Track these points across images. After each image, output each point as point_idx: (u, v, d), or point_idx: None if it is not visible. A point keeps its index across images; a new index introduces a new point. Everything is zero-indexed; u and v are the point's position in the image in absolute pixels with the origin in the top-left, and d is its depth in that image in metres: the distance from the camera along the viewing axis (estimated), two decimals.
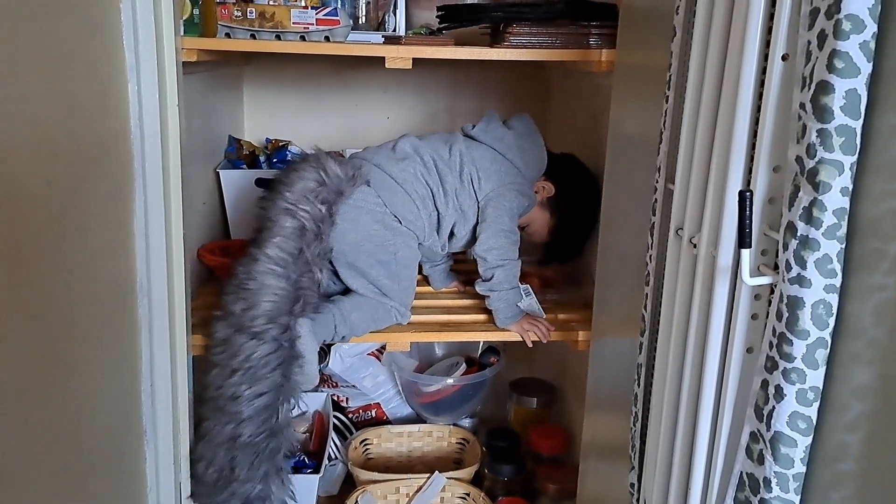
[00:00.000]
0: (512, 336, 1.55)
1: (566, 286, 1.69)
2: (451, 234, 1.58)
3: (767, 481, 0.73)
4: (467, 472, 1.77)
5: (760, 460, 0.74)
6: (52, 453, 1.00)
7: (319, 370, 1.95)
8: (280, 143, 2.01)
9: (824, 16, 0.66)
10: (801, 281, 0.68)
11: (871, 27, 0.63)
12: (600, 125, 1.61)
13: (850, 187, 0.66)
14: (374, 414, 2.01)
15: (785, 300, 0.70)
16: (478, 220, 1.55)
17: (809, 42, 0.68)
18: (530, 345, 1.55)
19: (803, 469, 0.72)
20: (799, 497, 0.73)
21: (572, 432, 1.83)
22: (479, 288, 1.56)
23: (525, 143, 1.59)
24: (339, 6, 1.59)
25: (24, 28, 0.90)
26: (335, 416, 1.91)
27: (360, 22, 1.81)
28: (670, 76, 0.98)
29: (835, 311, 0.69)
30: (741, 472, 0.78)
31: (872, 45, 0.64)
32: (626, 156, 1.23)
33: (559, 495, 1.72)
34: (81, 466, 1.09)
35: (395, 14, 1.72)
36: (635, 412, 1.07)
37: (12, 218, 0.88)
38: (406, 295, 1.55)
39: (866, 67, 0.64)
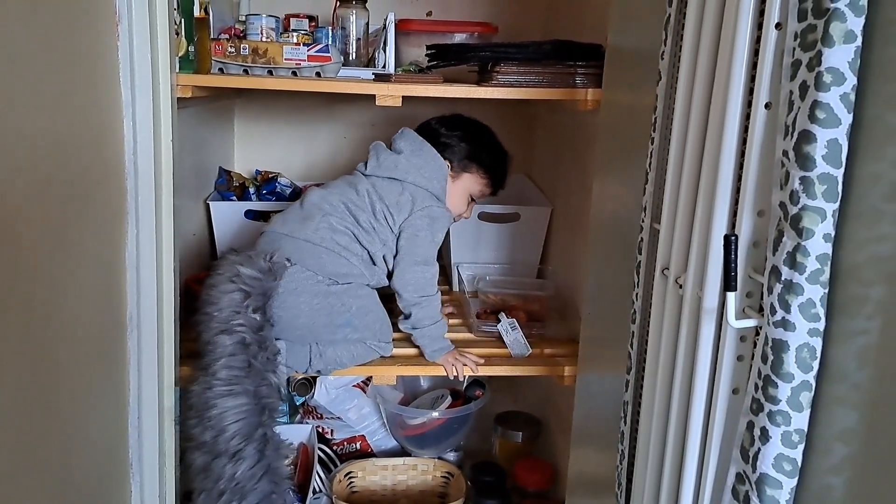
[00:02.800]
0: (498, 370, 1.56)
1: (552, 320, 1.70)
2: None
3: None
4: None
5: (746, 501, 0.75)
6: (39, 486, 1.00)
7: (304, 402, 1.95)
8: (270, 175, 2.02)
9: (806, 68, 0.68)
10: (785, 324, 0.70)
11: (851, 80, 0.65)
12: (585, 160, 1.64)
13: (833, 233, 0.68)
14: (358, 446, 2.00)
15: (770, 343, 0.71)
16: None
17: (791, 92, 0.70)
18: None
19: None
20: None
21: (557, 467, 1.83)
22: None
23: (418, 160, 1.57)
24: (330, 43, 1.61)
25: (23, 64, 0.91)
26: (319, 448, 1.90)
27: (351, 58, 1.83)
28: (655, 118, 1.01)
29: (819, 354, 0.70)
30: None
31: (853, 97, 0.66)
32: (612, 194, 1.25)
33: None
34: (68, 500, 1.09)
35: (384, 51, 1.74)
36: (622, 450, 1.08)
37: (6, 249, 0.89)
38: (381, 331, 1.54)
39: (847, 118, 0.66)
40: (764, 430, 0.72)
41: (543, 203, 1.99)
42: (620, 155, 1.22)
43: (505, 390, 2.15)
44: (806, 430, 0.72)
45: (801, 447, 0.72)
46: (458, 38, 1.92)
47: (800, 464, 0.72)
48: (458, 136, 1.65)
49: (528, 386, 2.14)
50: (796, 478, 0.72)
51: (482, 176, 1.66)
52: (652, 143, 1.02)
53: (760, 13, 0.77)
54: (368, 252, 1.53)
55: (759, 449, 0.73)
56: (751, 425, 0.75)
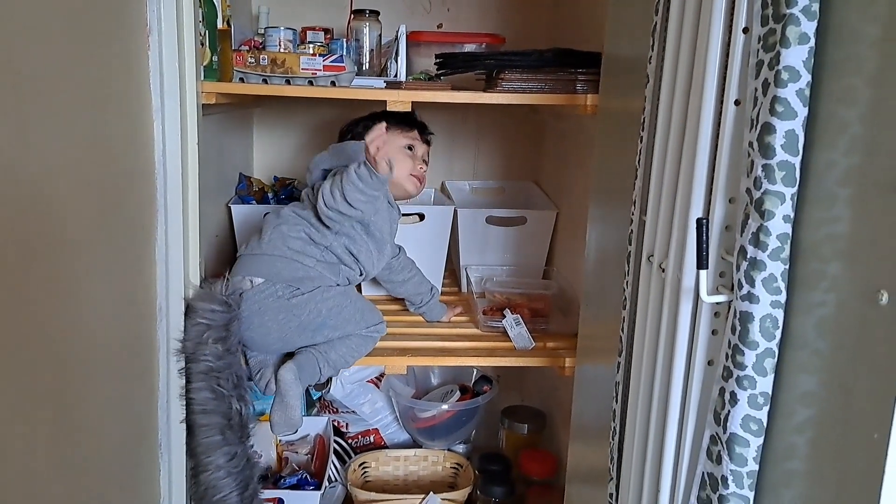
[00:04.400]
0: (503, 361, 1.64)
1: (555, 317, 1.78)
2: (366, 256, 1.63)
3: (724, 479, 0.82)
4: (461, 494, 1.84)
5: (718, 460, 0.83)
6: (74, 464, 1.08)
7: (320, 396, 2.04)
8: (287, 181, 2.12)
9: (767, 67, 0.76)
10: (750, 298, 0.78)
11: (806, 77, 0.73)
12: (588, 165, 1.72)
13: (792, 215, 0.76)
14: (372, 439, 2.08)
15: (738, 315, 0.79)
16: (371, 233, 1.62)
17: (756, 89, 0.78)
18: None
19: (756, 467, 0.81)
20: (753, 493, 0.81)
21: (561, 457, 1.90)
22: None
23: (341, 157, 1.65)
24: (344, 53, 1.70)
25: (65, 72, 1.00)
26: (335, 441, 1.98)
27: (364, 68, 1.92)
28: (644, 119, 1.09)
29: (781, 324, 0.78)
30: (703, 473, 0.86)
31: (808, 93, 0.74)
32: (608, 192, 1.33)
33: None
34: (101, 477, 1.17)
35: (396, 61, 1.83)
36: (614, 426, 1.16)
37: (51, 241, 0.98)
38: (364, 319, 1.58)
39: (802, 111, 0.74)
40: (733, 394, 0.80)
41: (549, 207, 2.07)
42: (615, 155, 1.30)
43: (511, 386, 2.24)
44: (770, 393, 0.79)
45: (766, 409, 0.79)
46: (467, 48, 2.00)
47: (765, 424, 0.79)
48: (355, 124, 1.77)
49: (533, 381, 2.22)
50: (762, 437, 0.80)
51: (396, 128, 1.70)
52: (641, 142, 1.10)
53: (732, 19, 0.85)
54: (329, 249, 1.58)
55: (729, 411, 0.80)
56: (722, 391, 0.82)
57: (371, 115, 1.73)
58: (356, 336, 1.57)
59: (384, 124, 1.52)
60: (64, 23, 1.00)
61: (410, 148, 1.72)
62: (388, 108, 1.57)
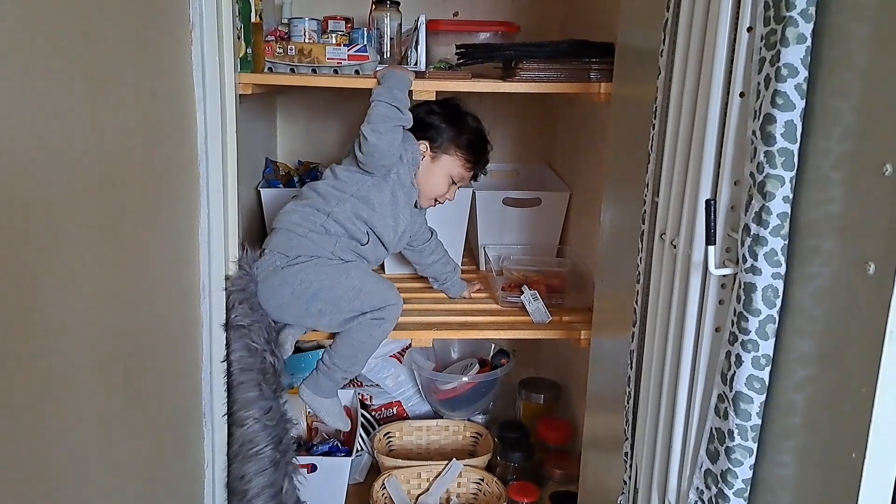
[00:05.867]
0: (522, 334, 1.73)
1: (570, 293, 1.87)
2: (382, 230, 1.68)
3: (731, 432, 0.91)
4: (482, 460, 1.95)
5: (725, 416, 0.92)
6: (136, 433, 1.18)
7: None
8: (311, 165, 2.21)
9: (769, 63, 0.85)
10: (753, 270, 0.87)
11: (804, 73, 0.82)
12: (600, 148, 1.80)
13: (791, 196, 0.85)
14: (395, 411, 2.19)
15: (742, 286, 0.88)
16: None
17: (759, 83, 0.87)
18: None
19: (759, 422, 0.90)
20: (756, 445, 0.91)
21: (576, 425, 2.00)
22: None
23: None
24: (367, 43, 1.78)
25: (122, 69, 1.09)
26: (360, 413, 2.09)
27: (386, 57, 2.00)
28: (656, 108, 1.17)
29: (781, 293, 0.87)
30: (711, 428, 0.96)
31: (805, 87, 0.82)
32: (622, 175, 1.42)
33: (564, 479, 1.90)
34: (156, 447, 1.28)
35: (416, 49, 1.90)
36: (628, 391, 1.25)
37: (112, 221, 1.07)
38: (366, 300, 1.61)
39: (800, 104, 0.83)
40: (738, 357, 0.89)
41: (563, 189, 2.15)
42: (628, 140, 1.39)
43: (527, 360, 2.33)
44: (771, 355, 0.88)
45: (767, 369, 0.88)
46: (483, 36, 2.07)
47: (767, 383, 0.89)
48: (440, 117, 1.77)
49: (548, 355, 2.32)
50: (765, 394, 0.89)
51: (462, 158, 1.76)
52: (653, 129, 1.19)
53: (738, 19, 0.94)
54: (331, 217, 1.64)
55: (735, 372, 0.90)
56: (728, 354, 0.91)
57: (464, 115, 1.80)
58: (357, 330, 1.61)
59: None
60: (125, 24, 1.09)
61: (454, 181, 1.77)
62: (413, 98, 1.65)
